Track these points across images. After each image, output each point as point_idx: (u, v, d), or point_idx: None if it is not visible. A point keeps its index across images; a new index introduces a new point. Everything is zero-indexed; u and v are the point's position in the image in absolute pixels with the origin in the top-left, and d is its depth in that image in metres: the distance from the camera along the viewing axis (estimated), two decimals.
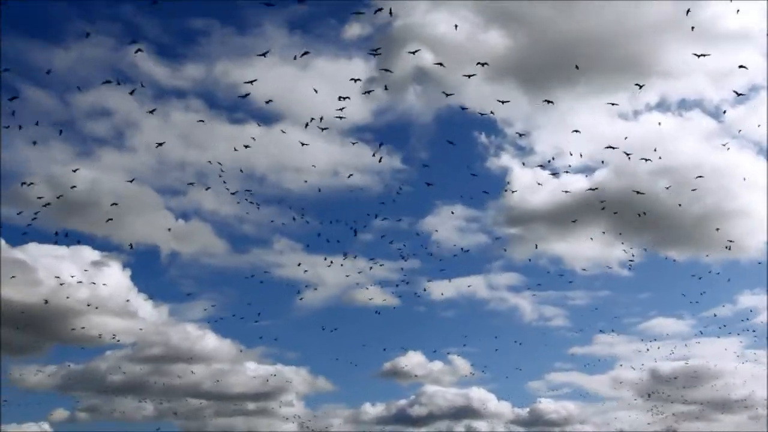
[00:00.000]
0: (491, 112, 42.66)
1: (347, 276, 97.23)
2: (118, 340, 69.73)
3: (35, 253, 78.09)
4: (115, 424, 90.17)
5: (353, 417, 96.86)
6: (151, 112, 47.96)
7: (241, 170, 59.05)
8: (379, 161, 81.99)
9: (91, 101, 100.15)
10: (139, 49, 39.56)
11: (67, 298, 62.53)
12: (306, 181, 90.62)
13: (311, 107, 54.85)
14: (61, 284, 62.05)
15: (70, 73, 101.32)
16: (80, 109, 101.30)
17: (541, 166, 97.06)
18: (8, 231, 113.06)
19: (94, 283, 68.48)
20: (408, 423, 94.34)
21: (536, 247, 73.35)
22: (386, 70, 38.85)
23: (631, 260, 67.22)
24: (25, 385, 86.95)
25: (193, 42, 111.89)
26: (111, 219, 45.89)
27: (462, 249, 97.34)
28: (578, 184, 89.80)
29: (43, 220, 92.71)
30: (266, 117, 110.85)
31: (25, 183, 43.95)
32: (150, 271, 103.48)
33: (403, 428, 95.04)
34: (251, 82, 36.04)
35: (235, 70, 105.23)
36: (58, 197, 42.57)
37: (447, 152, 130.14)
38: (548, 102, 43.19)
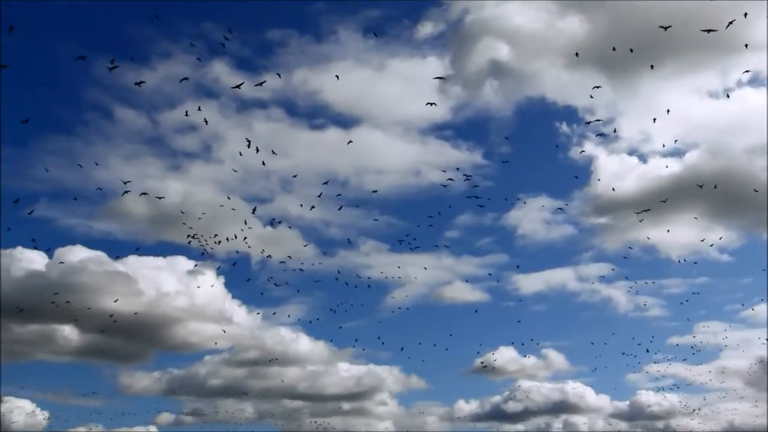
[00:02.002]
0: None
1: (434, 274, 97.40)
2: (216, 344, 71.96)
3: (135, 264, 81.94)
4: (219, 426, 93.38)
5: (447, 414, 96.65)
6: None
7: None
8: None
9: (179, 117, 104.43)
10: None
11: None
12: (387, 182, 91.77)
13: (389, 108, 55.22)
14: (164, 292, 64.99)
15: (157, 92, 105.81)
16: (168, 125, 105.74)
17: (629, 152, 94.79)
18: (109, 245, 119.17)
19: (192, 291, 71.37)
20: (504, 419, 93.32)
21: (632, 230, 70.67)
22: None
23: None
24: (132, 391, 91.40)
25: (271, 53, 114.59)
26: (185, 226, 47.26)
27: (549, 241, 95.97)
28: (669, 168, 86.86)
29: (140, 234, 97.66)
30: (345, 121, 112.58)
31: None
32: (242, 277, 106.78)
33: (499, 425, 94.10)
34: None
35: (313, 77, 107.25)
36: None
37: (529, 145, 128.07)
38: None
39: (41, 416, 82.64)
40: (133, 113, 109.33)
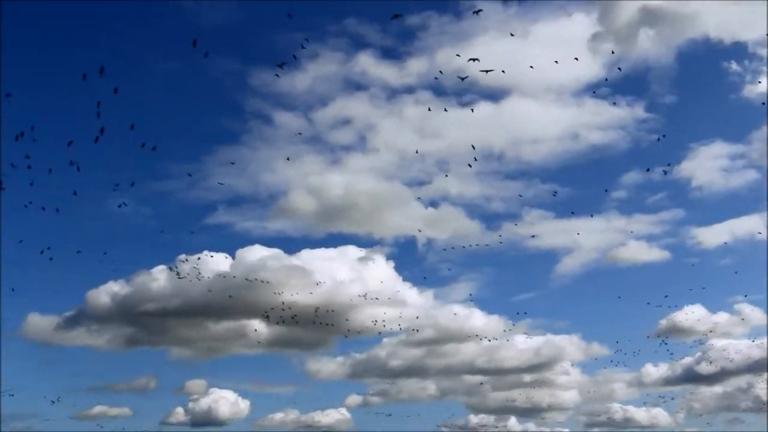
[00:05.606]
0: None
1: (605, 236, 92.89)
2: (399, 326, 73.80)
3: (308, 257, 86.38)
4: (404, 405, 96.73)
5: (635, 380, 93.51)
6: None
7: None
8: None
9: (333, 113, 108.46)
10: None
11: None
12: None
13: (539, 75, 53.60)
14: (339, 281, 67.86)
15: (309, 92, 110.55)
16: (323, 122, 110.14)
17: None
18: (284, 242, 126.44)
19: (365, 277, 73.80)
20: (698, 381, 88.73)
21: None
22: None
23: None
24: (320, 377, 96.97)
25: (412, 38, 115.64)
26: None
27: (730, 189, 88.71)
28: None
29: (310, 228, 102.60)
30: (494, 94, 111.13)
31: None
32: (411, 259, 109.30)
33: (694, 388, 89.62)
34: (474, 60, 35.48)
35: (456, 55, 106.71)
36: None
37: (696, 90, 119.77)
38: None
39: (243, 405, 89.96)
40: (290, 116, 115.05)
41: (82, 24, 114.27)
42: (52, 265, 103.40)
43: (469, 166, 51.27)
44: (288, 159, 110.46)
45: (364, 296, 66.17)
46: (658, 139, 67.41)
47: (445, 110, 48.71)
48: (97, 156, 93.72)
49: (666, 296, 79.74)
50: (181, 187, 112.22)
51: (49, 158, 41.18)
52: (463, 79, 37.19)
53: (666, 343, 75.46)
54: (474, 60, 35.08)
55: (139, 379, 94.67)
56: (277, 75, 40.81)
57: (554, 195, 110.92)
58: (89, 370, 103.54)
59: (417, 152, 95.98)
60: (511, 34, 35.16)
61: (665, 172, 61.54)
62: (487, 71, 34.98)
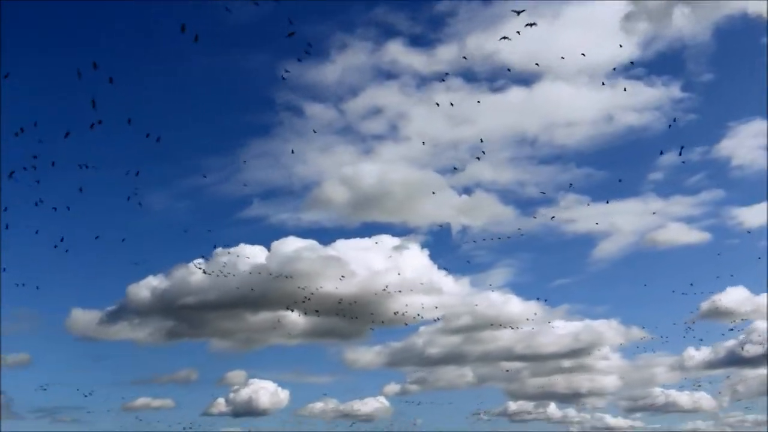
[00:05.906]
0: None
1: (643, 219, 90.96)
2: (434, 317, 73.80)
3: (343, 247, 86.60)
4: (443, 393, 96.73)
5: (677, 364, 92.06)
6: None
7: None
8: None
9: (363, 103, 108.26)
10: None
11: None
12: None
13: (571, 57, 52.29)
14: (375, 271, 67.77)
15: (339, 83, 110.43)
16: (354, 112, 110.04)
17: None
18: (318, 233, 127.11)
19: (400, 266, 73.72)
20: (743, 364, 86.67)
21: None
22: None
23: None
24: (358, 366, 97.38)
25: (442, 24, 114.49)
26: None
27: None
28: None
29: (344, 218, 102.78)
30: (526, 79, 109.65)
31: None
32: (445, 247, 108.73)
33: (738, 371, 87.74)
34: (518, 12, 34.63)
35: (487, 40, 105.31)
36: None
37: (734, 67, 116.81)
38: None
39: (283, 395, 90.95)
40: (321, 107, 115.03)
41: (115, 21, 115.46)
42: (94, 260, 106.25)
43: (477, 159, 50.73)
44: (293, 152, 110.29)
45: (385, 288, 65.88)
46: (669, 126, 65.64)
47: (451, 104, 49.15)
48: (125, 153, 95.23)
49: (691, 284, 76.94)
50: (216, 180, 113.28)
51: (65, 156, 41.84)
52: (518, 13, 35.91)
53: (692, 329, 73.53)
54: (518, 12, 34.26)
55: (181, 372, 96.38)
56: (286, 72, 40.76)
57: (570, 186, 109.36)
58: (132, 364, 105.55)
59: (423, 143, 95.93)
60: (517, 33, 34.11)
61: (680, 154, 59.77)
62: (531, 24, 34.39)
